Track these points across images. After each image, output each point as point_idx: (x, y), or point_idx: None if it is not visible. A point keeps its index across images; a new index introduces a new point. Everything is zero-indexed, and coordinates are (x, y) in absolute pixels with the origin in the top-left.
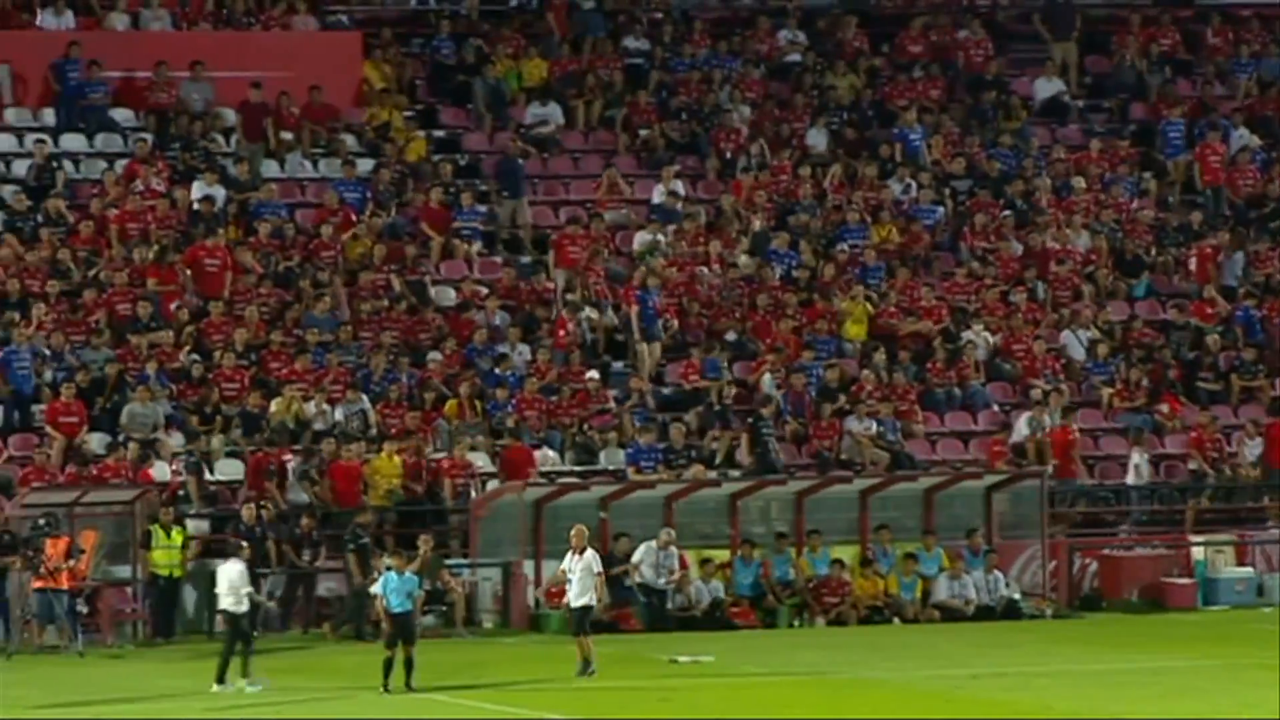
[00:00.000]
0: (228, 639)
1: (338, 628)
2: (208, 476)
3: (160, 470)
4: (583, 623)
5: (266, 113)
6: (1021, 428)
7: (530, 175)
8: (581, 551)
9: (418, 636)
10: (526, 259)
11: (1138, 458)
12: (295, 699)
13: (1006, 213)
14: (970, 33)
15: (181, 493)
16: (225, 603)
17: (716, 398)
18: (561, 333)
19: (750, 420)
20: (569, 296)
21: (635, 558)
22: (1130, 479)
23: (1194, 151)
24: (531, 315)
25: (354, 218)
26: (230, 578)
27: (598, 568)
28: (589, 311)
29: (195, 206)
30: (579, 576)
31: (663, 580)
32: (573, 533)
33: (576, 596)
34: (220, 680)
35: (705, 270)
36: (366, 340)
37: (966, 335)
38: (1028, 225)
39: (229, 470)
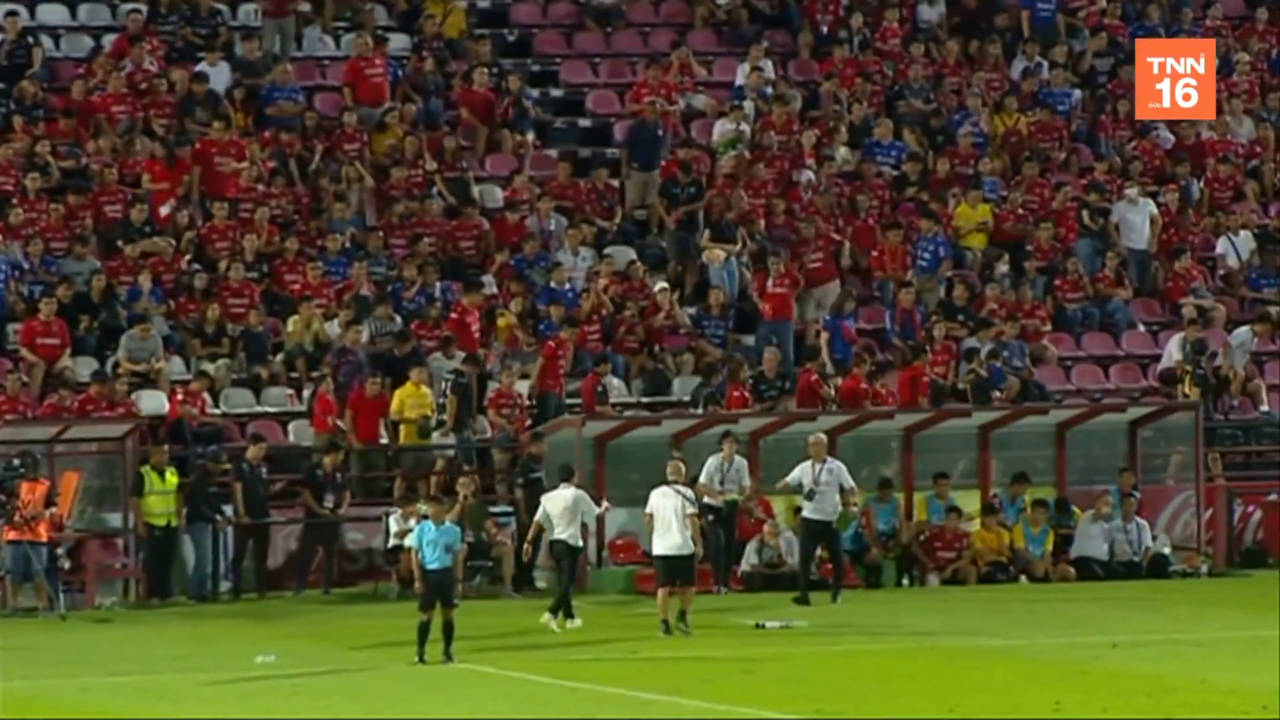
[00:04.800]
0: (565, 572)
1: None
2: (211, 410)
3: (155, 401)
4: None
5: None
6: (1172, 351)
7: (590, 54)
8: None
9: (457, 598)
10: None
11: None
12: (314, 670)
13: None
14: None
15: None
16: (563, 534)
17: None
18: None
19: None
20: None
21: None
22: None
23: None
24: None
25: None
26: (565, 506)
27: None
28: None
29: (190, 90)
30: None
31: (730, 487)
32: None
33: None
34: (554, 612)
35: (808, 173)
36: (398, 249)
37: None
38: None
39: (238, 401)
